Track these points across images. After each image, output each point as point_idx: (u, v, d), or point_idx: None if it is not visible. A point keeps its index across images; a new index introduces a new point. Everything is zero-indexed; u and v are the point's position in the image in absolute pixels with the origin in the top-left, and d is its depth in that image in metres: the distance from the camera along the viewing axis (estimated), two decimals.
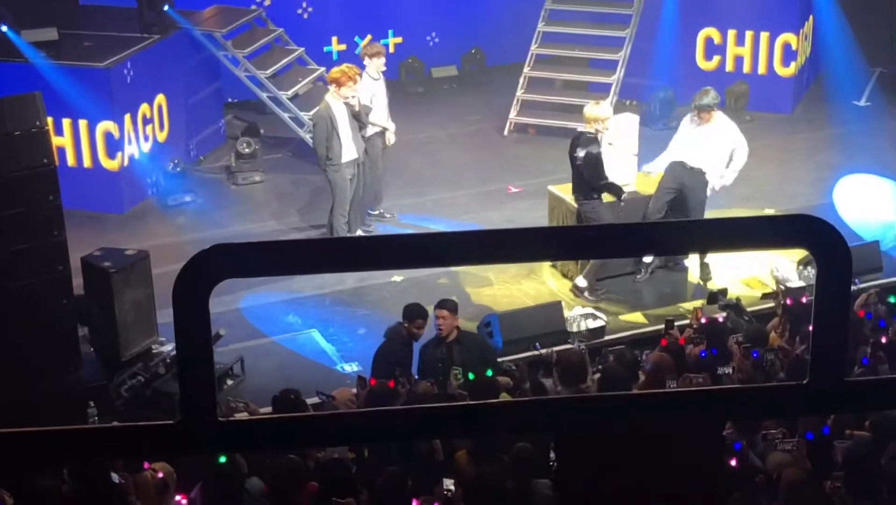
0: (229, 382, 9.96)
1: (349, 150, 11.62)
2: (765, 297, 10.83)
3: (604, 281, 11.31)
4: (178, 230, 12.64)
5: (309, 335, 10.83)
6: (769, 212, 12.63)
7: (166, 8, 13.68)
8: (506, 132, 14.98)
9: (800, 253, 10.94)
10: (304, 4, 15.81)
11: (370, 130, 12.18)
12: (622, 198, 11.07)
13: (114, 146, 12.81)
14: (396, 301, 10.20)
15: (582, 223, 10.91)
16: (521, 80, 15.18)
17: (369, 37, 16.17)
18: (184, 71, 13.98)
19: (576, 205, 11.12)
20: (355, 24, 16.18)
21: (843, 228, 11.95)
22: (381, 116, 12.30)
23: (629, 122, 11.67)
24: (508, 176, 13.71)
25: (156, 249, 10.59)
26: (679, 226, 2.84)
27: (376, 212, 12.71)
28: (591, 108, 11.04)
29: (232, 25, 14.16)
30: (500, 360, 9.61)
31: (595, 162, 10.80)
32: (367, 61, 12.34)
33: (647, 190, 11.57)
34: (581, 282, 11.12)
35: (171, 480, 7.13)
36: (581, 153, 10.79)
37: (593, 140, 10.83)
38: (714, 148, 11.28)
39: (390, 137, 12.45)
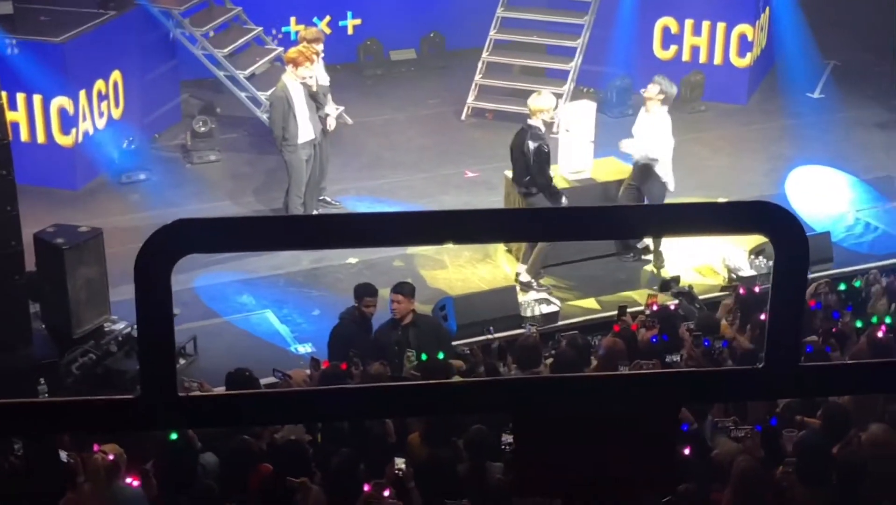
0: (182, 361, 9.93)
1: (306, 131, 11.58)
2: (724, 290, 10.90)
3: (558, 267, 11.35)
4: (131, 208, 12.56)
5: (263, 316, 10.80)
6: (722, 201, 12.74)
7: None
8: (463, 116, 14.99)
9: (751, 242, 11.05)
10: None
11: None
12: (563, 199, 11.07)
13: (68, 122, 12.69)
14: (351, 282, 10.20)
15: None
16: (480, 65, 15.19)
17: (328, 17, 16.13)
18: (140, 48, 13.86)
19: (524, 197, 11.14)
20: (314, 5, 16.11)
21: None
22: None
23: (586, 110, 11.72)
24: (465, 160, 13.73)
25: (109, 227, 10.51)
26: (641, 209, 2.88)
27: (321, 197, 12.56)
28: (535, 100, 11.07)
29: (189, 3, 14.05)
30: (454, 343, 9.65)
31: (545, 159, 10.83)
32: (303, 44, 12.20)
33: (602, 177, 11.63)
34: (524, 277, 11.14)
35: (122, 461, 7.10)
36: (533, 146, 10.79)
37: (542, 135, 10.86)
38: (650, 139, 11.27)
39: (331, 122, 12.33)
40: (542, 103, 10.98)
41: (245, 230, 2.61)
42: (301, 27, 15.85)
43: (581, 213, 2.86)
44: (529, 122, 11.03)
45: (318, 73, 12.07)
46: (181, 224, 2.54)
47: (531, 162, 10.82)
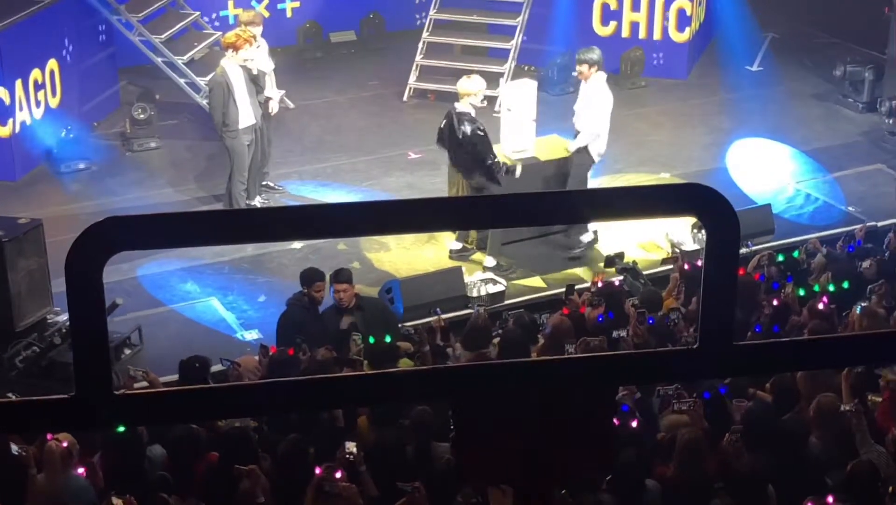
0: (127, 351, 9.86)
1: (246, 116, 11.50)
2: (664, 262, 11.01)
3: (504, 246, 11.37)
4: (71, 198, 12.42)
5: (208, 303, 10.74)
6: (664, 176, 12.85)
7: None
8: (405, 98, 14.96)
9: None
10: None
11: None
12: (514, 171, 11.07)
13: (5, 112, 12.52)
14: (296, 268, 10.17)
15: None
16: (420, 46, 15.15)
17: (266, 1, 16.01)
18: (76, 35, 13.68)
19: (468, 182, 11.14)
20: None
21: (736, 191, 12.29)
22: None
23: (527, 88, 11.72)
24: (408, 142, 13.70)
25: (49, 218, 10.41)
26: (571, 196, 2.89)
27: (264, 182, 12.47)
28: (464, 83, 11.06)
29: None
30: (401, 325, 9.65)
31: (481, 140, 10.83)
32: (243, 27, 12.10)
33: (544, 156, 11.65)
34: (490, 262, 11.17)
35: (75, 450, 7.06)
36: (468, 129, 10.78)
37: (473, 118, 10.86)
38: (589, 108, 11.31)
39: (273, 106, 12.24)
40: (471, 87, 10.96)
41: (175, 226, 2.59)
42: (239, 11, 15.74)
43: (516, 201, 2.87)
44: (458, 106, 10.99)
45: (260, 57, 11.98)
46: (111, 222, 2.52)
47: (472, 146, 10.81)
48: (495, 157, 10.95)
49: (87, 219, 2.56)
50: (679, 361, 2.91)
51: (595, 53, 11.32)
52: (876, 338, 3.26)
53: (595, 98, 11.22)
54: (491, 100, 13.33)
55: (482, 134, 10.83)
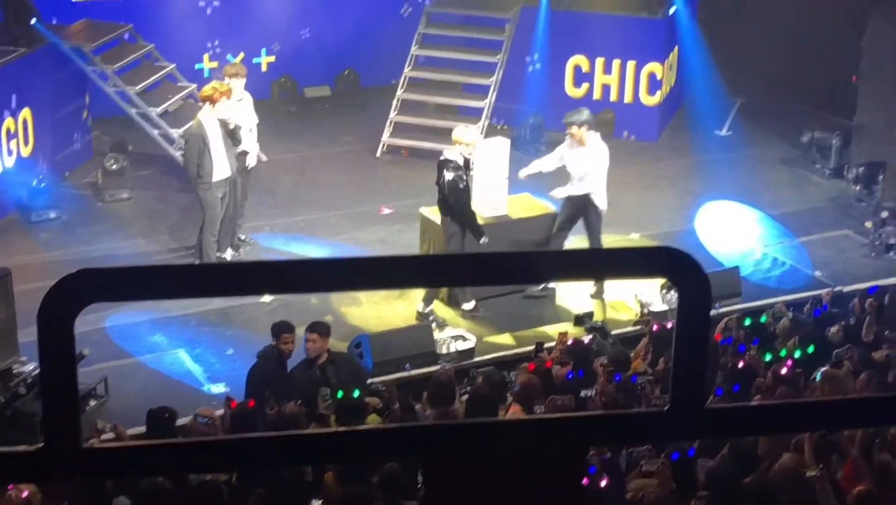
0: (92, 402, 9.78)
1: (221, 169, 11.50)
2: (634, 322, 11.05)
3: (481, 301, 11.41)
4: (41, 247, 12.37)
5: (175, 355, 10.69)
6: (634, 236, 12.92)
7: (34, 21, 13.40)
8: (378, 154, 15.03)
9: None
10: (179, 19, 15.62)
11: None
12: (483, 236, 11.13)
13: None
14: (265, 321, 10.14)
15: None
16: (395, 103, 15.25)
17: (241, 55, 16.09)
18: (51, 85, 13.70)
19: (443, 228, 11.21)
20: (228, 42, 16.07)
21: (704, 254, 12.38)
22: (244, 137, 12.12)
23: (500, 146, 11.81)
24: (381, 197, 13.75)
25: (19, 266, 10.37)
26: (544, 256, 2.92)
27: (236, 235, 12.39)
28: (458, 130, 11.18)
29: (101, 40, 13.93)
30: (370, 381, 9.62)
31: (460, 191, 10.89)
32: (227, 81, 12.15)
33: (516, 214, 11.71)
34: (468, 305, 11.26)
35: (36, 500, 6.98)
36: (448, 177, 10.87)
37: (458, 166, 10.92)
38: (595, 166, 11.42)
39: (251, 160, 12.27)
40: (463, 135, 11.06)
41: (148, 279, 2.59)
42: (214, 64, 15.84)
43: (488, 260, 2.89)
44: (446, 151, 11.10)
45: (243, 110, 12.00)
46: (84, 274, 2.51)
47: (450, 195, 10.88)
48: (473, 214, 11.01)
49: (57, 268, 2.57)
50: (649, 422, 2.91)
51: (584, 113, 11.46)
52: (844, 403, 3.28)
53: (601, 154, 11.31)
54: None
55: (462, 186, 10.88)
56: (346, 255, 12.31)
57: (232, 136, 11.65)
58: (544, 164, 11.67)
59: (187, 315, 11.17)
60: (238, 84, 12.04)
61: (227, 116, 11.55)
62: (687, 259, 2.77)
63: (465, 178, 10.97)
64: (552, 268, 2.91)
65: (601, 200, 11.41)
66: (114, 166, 13.44)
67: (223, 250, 11.89)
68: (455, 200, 10.91)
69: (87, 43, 13.76)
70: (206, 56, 15.97)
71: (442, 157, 11.10)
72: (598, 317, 10.95)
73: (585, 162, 11.35)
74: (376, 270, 2.78)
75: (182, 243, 12.49)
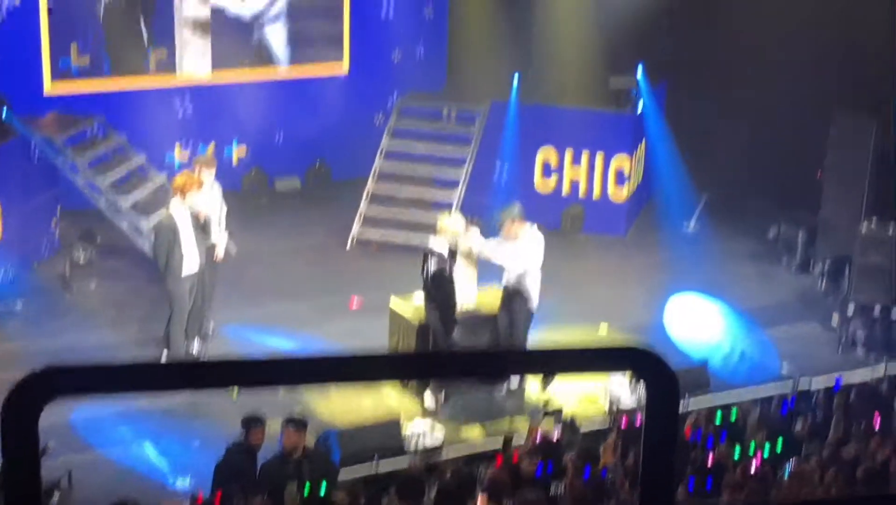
0: (56, 495, 9.62)
1: (191, 261, 11.48)
2: (603, 417, 11.02)
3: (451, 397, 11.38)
4: (8, 337, 12.25)
5: (141, 448, 10.56)
6: (603, 328, 12.95)
7: (4, 113, 13.45)
8: (348, 246, 15.06)
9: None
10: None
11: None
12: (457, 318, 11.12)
13: None
14: (233, 413, 10.05)
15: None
16: (365, 195, 15.32)
17: (212, 145, 16.17)
18: (21, 176, 13.70)
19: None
20: (199, 134, 16.16)
21: (673, 348, 12.42)
22: (212, 228, 12.13)
23: (471, 240, 11.83)
24: (350, 290, 13.74)
25: None
26: (513, 353, 2.93)
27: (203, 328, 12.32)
28: (444, 220, 11.24)
29: (72, 132, 13.98)
30: (339, 476, 9.53)
31: (441, 281, 10.91)
32: (197, 171, 12.18)
33: (486, 307, 11.71)
34: (429, 402, 11.22)
35: None
36: (433, 268, 10.92)
37: (442, 258, 10.96)
38: (531, 258, 11.39)
39: (219, 252, 12.24)
40: (448, 224, 11.14)
41: (116, 376, 2.58)
42: (185, 154, 15.91)
43: (458, 357, 2.90)
44: (431, 243, 11.11)
45: (211, 201, 12.01)
46: (50, 371, 2.50)
47: (430, 286, 10.90)
48: (452, 304, 11.00)
49: (23, 360, 2.56)
50: None
51: (516, 207, 11.43)
52: (812, 503, 3.29)
53: (537, 245, 11.29)
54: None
55: (447, 277, 10.90)
56: (314, 348, 12.30)
57: (202, 228, 11.64)
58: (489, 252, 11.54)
59: (153, 407, 11.06)
60: (208, 175, 12.07)
61: (198, 208, 11.55)
62: (654, 358, 2.78)
63: (448, 269, 10.98)
64: (521, 364, 2.93)
65: (533, 295, 11.33)
66: (82, 257, 13.41)
67: (190, 342, 11.82)
68: (437, 292, 10.91)
69: (58, 135, 13.81)
70: (177, 147, 16.04)
71: (427, 248, 11.12)
72: (567, 411, 10.91)
73: (522, 254, 11.30)
74: (342, 366, 2.78)
75: (149, 335, 12.41)
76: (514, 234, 11.32)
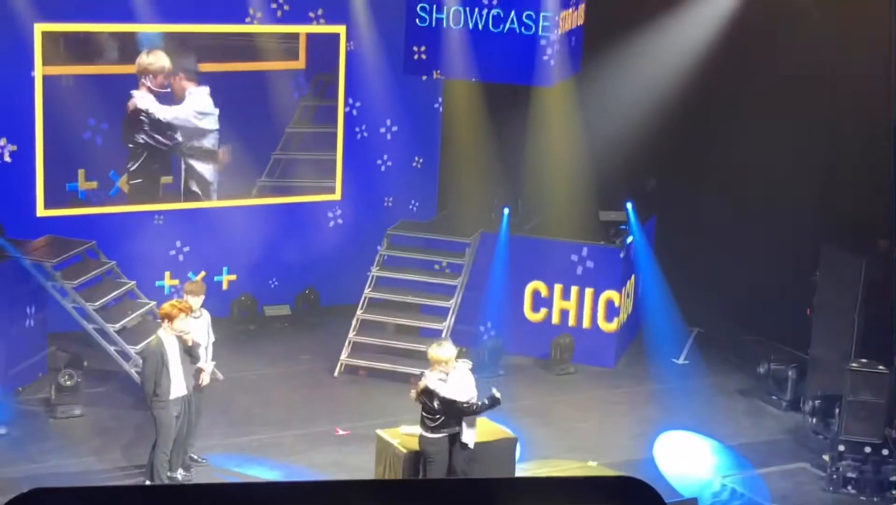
0: None
1: (178, 387, 11.42)
2: None
3: None
4: None
5: None
6: (592, 464, 12.83)
7: None
8: (336, 373, 15.00)
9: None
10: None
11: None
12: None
13: None
14: None
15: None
16: (354, 322, 15.32)
17: (203, 273, 16.21)
18: (9, 299, 13.67)
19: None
20: (189, 260, 16.21)
21: (663, 483, 12.30)
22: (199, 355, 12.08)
23: (462, 370, 11.78)
24: (337, 417, 13.64)
25: None
26: (503, 482, 2.90)
27: (189, 454, 12.19)
28: (434, 350, 11.03)
29: (63, 256, 14.01)
30: None
31: (448, 409, 10.82)
32: (186, 298, 12.19)
33: (476, 438, 11.59)
34: None
35: None
36: (437, 405, 10.78)
37: (441, 383, 10.88)
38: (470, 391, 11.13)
39: (205, 378, 12.10)
40: (437, 353, 10.96)
41: (101, 500, 2.54)
42: (175, 281, 15.93)
43: (447, 486, 2.86)
44: (428, 376, 10.92)
45: (199, 328, 11.99)
46: (35, 494, 2.46)
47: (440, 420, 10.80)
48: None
49: (4, 486, 2.51)
50: None
51: (449, 343, 11.27)
52: None
53: (471, 380, 11.18)
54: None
55: (449, 402, 10.78)
56: (300, 477, 12.17)
57: (189, 353, 11.60)
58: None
59: None
60: (196, 301, 12.09)
61: (186, 332, 11.53)
62: (647, 490, 2.76)
63: (447, 399, 10.83)
64: (512, 495, 2.89)
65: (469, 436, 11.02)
66: (68, 382, 13.31)
67: (174, 470, 11.69)
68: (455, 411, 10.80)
69: (49, 259, 13.82)
70: (167, 274, 16.06)
71: (429, 386, 10.91)
72: None
73: (464, 390, 11.03)
74: (328, 495, 2.74)
75: (133, 462, 12.27)
76: (453, 366, 11.13)
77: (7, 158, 14.87)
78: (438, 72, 15.12)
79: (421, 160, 17.48)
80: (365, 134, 17.03)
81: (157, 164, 15.89)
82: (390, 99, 16.88)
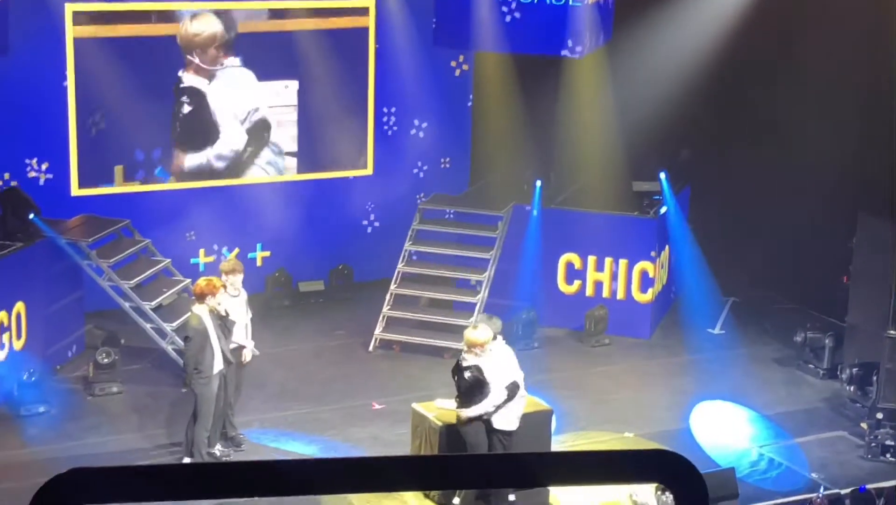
0: None
1: (219, 362, 11.51)
2: None
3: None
4: (30, 442, 12.20)
5: None
6: (628, 435, 12.81)
7: (32, 216, 13.58)
8: (371, 348, 15.03)
9: None
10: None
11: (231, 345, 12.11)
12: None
13: None
14: None
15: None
16: (388, 297, 15.34)
17: (237, 250, 16.26)
18: (45, 279, 13.77)
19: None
20: (223, 237, 16.26)
21: (699, 454, 12.26)
22: (238, 333, 12.17)
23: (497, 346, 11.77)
24: (372, 392, 13.68)
25: (6, 462, 10.22)
26: (539, 458, 2.88)
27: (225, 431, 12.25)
28: (470, 333, 10.91)
29: (98, 235, 14.08)
30: None
31: (475, 383, 10.81)
32: (224, 278, 12.26)
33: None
34: (456, 500, 11.08)
35: None
36: (465, 383, 10.80)
37: (474, 366, 10.81)
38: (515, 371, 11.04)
39: (247, 354, 12.26)
40: (479, 336, 10.81)
41: (140, 480, 2.55)
42: (210, 258, 15.99)
43: (481, 462, 2.86)
44: (466, 358, 10.85)
45: (237, 306, 12.06)
46: (74, 474, 2.48)
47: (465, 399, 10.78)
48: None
49: (45, 465, 2.53)
50: None
51: (484, 326, 11.13)
52: None
53: (510, 359, 11.08)
54: (457, 353, 13.39)
55: (480, 388, 10.77)
56: (336, 452, 12.21)
57: (224, 328, 11.67)
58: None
59: None
60: (235, 280, 12.16)
61: (221, 310, 11.59)
62: (683, 462, 2.74)
63: (481, 375, 10.81)
64: (546, 471, 2.88)
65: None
66: (105, 360, 13.41)
67: (212, 446, 11.77)
68: (472, 403, 10.77)
69: (84, 238, 13.90)
70: (201, 251, 16.13)
71: (462, 364, 10.88)
72: None
73: (507, 368, 10.96)
74: (368, 472, 2.74)
75: (172, 439, 12.35)
76: (489, 348, 10.98)
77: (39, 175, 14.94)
78: (463, 58, 15.09)
79: (449, 159, 17.37)
80: (393, 112, 17.00)
81: (197, 139, 15.91)
82: (420, 75, 16.83)
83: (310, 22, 16.20)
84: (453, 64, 17.28)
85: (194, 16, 15.48)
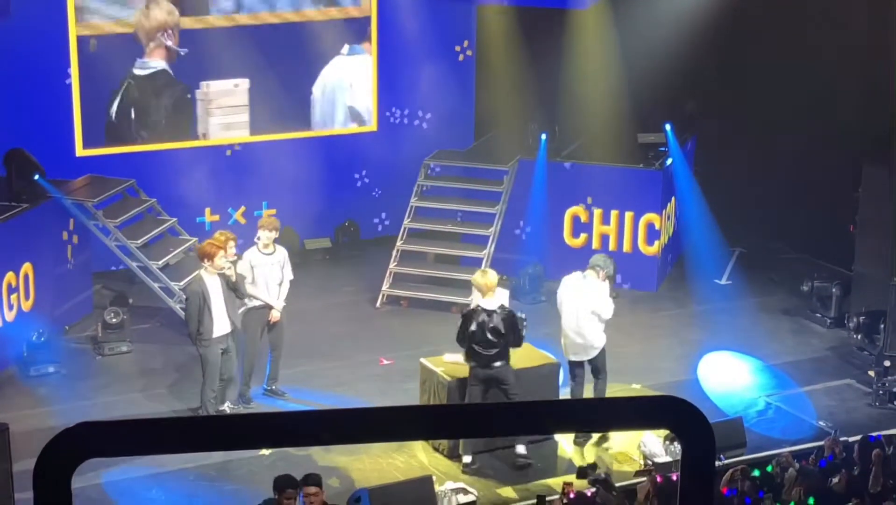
0: None
1: (221, 325, 11.51)
2: (638, 474, 10.90)
3: (478, 454, 11.30)
4: (40, 402, 12.27)
5: None
6: (636, 386, 12.85)
7: (37, 177, 13.57)
8: (378, 304, 15.05)
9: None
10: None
11: (252, 303, 12.12)
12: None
13: None
14: (264, 475, 10.01)
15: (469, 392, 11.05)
16: (394, 253, 15.34)
17: (243, 208, 16.25)
18: (52, 240, 13.79)
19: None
20: (229, 196, 16.25)
21: (707, 404, 12.29)
22: (262, 291, 12.19)
23: (499, 296, 11.82)
24: (380, 348, 13.72)
25: (16, 422, 10.27)
26: (549, 406, 2.90)
27: (270, 387, 12.50)
28: (480, 278, 11.28)
29: (103, 195, 14.07)
30: None
31: (515, 325, 11.07)
32: (259, 233, 12.35)
33: (520, 364, 11.63)
34: (467, 458, 11.17)
35: None
36: (499, 323, 10.93)
37: (489, 313, 11.01)
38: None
39: (274, 315, 12.31)
40: (493, 278, 11.23)
41: (147, 433, 2.56)
42: (216, 217, 15.99)
43: (491, 411, 2.87)
44: (484, 303, 11.12)
45: (270, 264, 12.19)
46: (83, 428, 2.49)
47: (514, 335, 11.06)
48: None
49: (55, 423, 2.55)
50: None
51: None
52: None
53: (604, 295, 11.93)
54: (464, 307, 13.41)
55: (519, 317, 11.12)
56: (346, 406, 12.22)
57: (234, 290, 11.67)
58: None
59: (185, 469, 11.03)
60: (267, 236, 12.20)
61: (228, 269, 11.60)
62: (691, 410, 2.75)
63: (516, 313, 11.18)
64: (554, 418, 2.89)
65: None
66: (114, 320, 13.45)
67: (222, 403, 11.82)
68: (515, 337, 11.10)
69: (90, 198, 13.90)
70: (207, 210, 16.12)
71: (482, 309, 11.11)
72: (601, 468, 10.80)
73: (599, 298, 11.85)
74: (375, 421, 2.75)
75: (180, 397, 12.42)
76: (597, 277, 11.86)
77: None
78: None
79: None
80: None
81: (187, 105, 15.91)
82: (424, 29, 16.73)
83: None
84: (457, 49, 17.19)
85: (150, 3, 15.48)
